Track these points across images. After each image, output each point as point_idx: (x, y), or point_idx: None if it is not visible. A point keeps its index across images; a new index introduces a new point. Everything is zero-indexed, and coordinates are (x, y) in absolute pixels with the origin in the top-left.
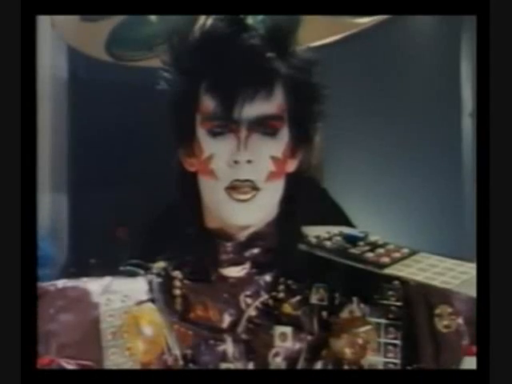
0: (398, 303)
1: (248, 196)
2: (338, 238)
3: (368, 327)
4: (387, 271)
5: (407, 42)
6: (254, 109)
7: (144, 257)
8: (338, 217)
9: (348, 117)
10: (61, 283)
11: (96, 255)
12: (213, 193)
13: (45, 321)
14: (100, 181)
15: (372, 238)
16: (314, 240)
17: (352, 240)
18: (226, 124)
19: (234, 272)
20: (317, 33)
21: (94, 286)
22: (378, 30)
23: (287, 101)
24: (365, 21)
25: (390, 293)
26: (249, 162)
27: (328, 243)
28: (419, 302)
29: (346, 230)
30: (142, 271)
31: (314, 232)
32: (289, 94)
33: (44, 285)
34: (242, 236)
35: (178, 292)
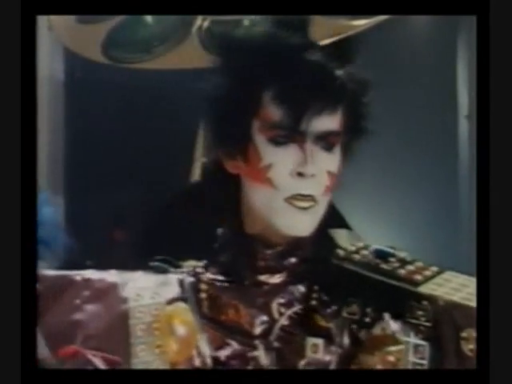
0: (427, 323)
1: (308, 204)
2: (366, 252)
3: (401, 347)
4: (421, 289)
5: (404, 45)
6: (320, 123)
7: (169, 254)
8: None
9: None
10: (88, 273)
11: (93, 257)
12: (267, 201)
13: (71, 311)
14: (97, 182)
15: (400, 254)
16: (341, 252)
17: (382, 255)
18: (290, 134)
19: (270, 279)
20: (315, 35)
21: (121, 279)
22: (375, 33)
23: (345, 117)
24: (362, 23)
25: (420, 312)
26: (312, 176)
27: (356, 256)
28: (447, 323)
29: (374, 244)
30: (172, 268)
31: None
32: (347, 111)
33: (71, 274)
34: (282, 244)
35: (209, 293)
